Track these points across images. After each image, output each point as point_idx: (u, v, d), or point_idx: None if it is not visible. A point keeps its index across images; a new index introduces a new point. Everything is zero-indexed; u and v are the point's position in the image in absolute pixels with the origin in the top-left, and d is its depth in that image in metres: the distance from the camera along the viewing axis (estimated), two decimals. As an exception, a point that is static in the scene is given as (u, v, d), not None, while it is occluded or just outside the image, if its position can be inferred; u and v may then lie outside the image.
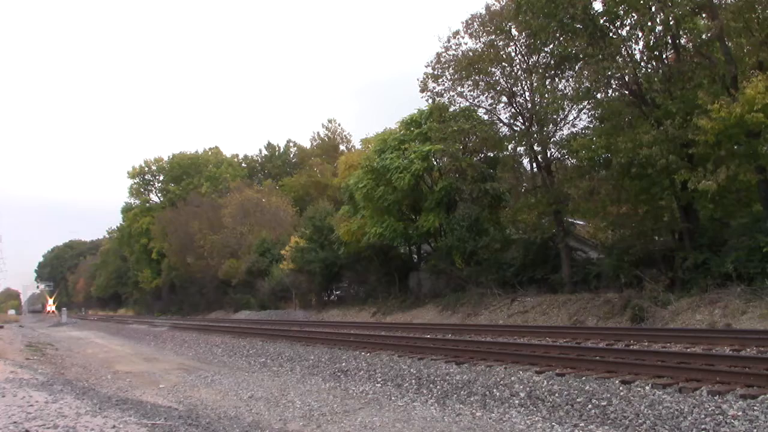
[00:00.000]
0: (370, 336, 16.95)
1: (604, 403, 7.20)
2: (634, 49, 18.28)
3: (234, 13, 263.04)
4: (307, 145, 68.65)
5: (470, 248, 24.44)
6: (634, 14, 17.43)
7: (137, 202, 72.99)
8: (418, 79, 25.00)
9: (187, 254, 55.78)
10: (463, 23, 23.63)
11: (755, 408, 6.25)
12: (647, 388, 7.47)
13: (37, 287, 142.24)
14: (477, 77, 23.34)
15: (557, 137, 22.36)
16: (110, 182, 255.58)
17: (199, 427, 7.06)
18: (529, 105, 22.86)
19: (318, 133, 65.20)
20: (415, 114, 28.19)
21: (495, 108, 24.31)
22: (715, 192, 15.11)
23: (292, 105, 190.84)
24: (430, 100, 25.48)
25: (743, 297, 14.34)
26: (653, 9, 16.74)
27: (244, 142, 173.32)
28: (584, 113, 21.41)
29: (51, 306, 76.11)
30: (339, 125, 65.28)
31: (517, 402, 7.97)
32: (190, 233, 54.47)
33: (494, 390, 8.53)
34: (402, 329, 20.27)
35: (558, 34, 19.09)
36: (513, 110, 23.74)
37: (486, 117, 24.79)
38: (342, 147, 60.88)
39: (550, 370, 9.07)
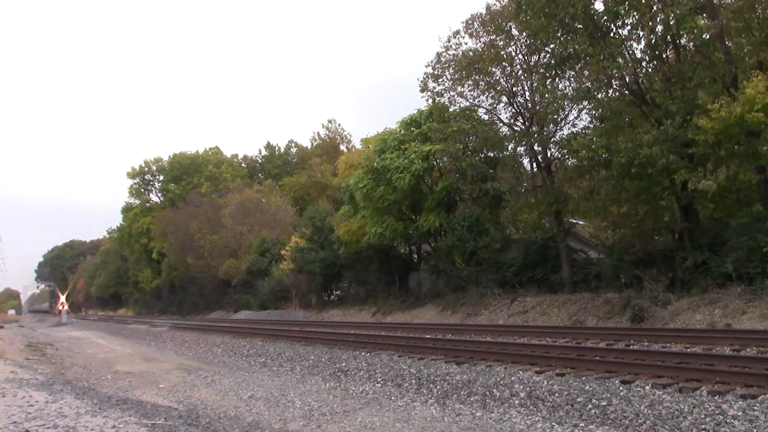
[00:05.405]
0: (370, 336, 16.95)
1: (604, 403, 7.20)
2: (635, 48, 18.29)
3: (235, 14, 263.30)
4: (307, 145, 68.77)
5: (470, 248, 24.42)
6: (634, 14, 17.40)
7: (137, 202, 73.00)
8: (418, 79, 25.00)
9: (187, 254, 55.76)
10: (463, 23, 23.67)
11: (755, 408, 6.25)
12: (647, 388, 7.47)
13: (37, 287, 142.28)
14: (477, 77, 23.32)
15: (557, 137, 22.35)
16: (110, 182, 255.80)
17: (199, 427, 7.06)
18: (530, 105, 22.83)
19: (318, 133, 65.31)
20: (415, 114, 28.17)
21: (495, 108, 24.32)
22: (715, 192, 15.10)
23: (293, 105, 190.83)
24: (431, 100, 25.45)
25: (743, 297, 14.33)
26: (654, 8, 16.73)
27: (244, 142, 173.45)
28: (584, 113, 21.42)
29: (65, 305, 71.54)
30: (339, 125, 65.42)
31: (517, 402, 7.97)
32: (190, 233, 54.46)
33: (494, 390, 8.53)
34: (402, 329, 20.25)
35: (558, 34, 19.07)
36: (513, 110, 23.73)
37: (486, 117, 24.80)
38: (342, 147, 60.91)
39: (550, 370, 9.07)
